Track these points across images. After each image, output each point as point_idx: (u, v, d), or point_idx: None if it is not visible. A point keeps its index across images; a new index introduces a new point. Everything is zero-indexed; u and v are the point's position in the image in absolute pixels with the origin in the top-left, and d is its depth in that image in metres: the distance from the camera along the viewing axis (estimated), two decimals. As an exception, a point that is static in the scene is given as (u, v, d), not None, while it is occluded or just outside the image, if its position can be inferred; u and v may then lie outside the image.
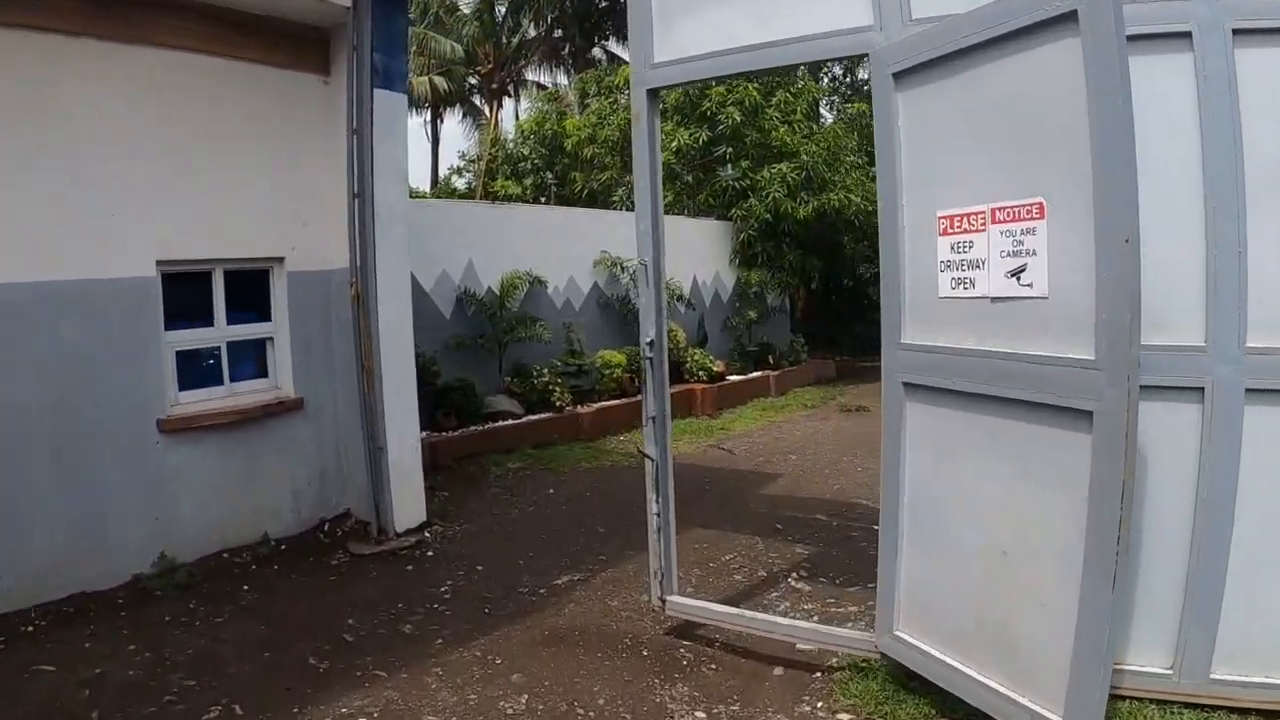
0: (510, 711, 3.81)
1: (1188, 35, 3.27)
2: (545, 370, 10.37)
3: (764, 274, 14.84)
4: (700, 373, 12.36)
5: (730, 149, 14.52)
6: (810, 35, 3.77)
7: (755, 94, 14.33)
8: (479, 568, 5.68)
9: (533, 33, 29.84)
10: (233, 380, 6.07)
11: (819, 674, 4.08)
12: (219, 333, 5.96)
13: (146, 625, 4.76)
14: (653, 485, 4.46)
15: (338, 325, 6.38)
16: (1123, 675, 3.45)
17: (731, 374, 13.30)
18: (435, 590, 5.28)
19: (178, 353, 5.72)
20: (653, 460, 4.44)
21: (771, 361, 14.38)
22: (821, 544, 6.07)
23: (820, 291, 17.89)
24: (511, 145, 20.67)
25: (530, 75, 31.16)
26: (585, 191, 16.69)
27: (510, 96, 31.41)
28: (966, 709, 3.43)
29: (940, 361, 3.40)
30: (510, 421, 9.56)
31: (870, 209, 14.72)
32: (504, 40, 29.45)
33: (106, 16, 5.13)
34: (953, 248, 3.29)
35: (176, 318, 5.68)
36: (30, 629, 4.67)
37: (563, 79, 30.18)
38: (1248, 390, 3.27)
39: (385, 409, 6.09)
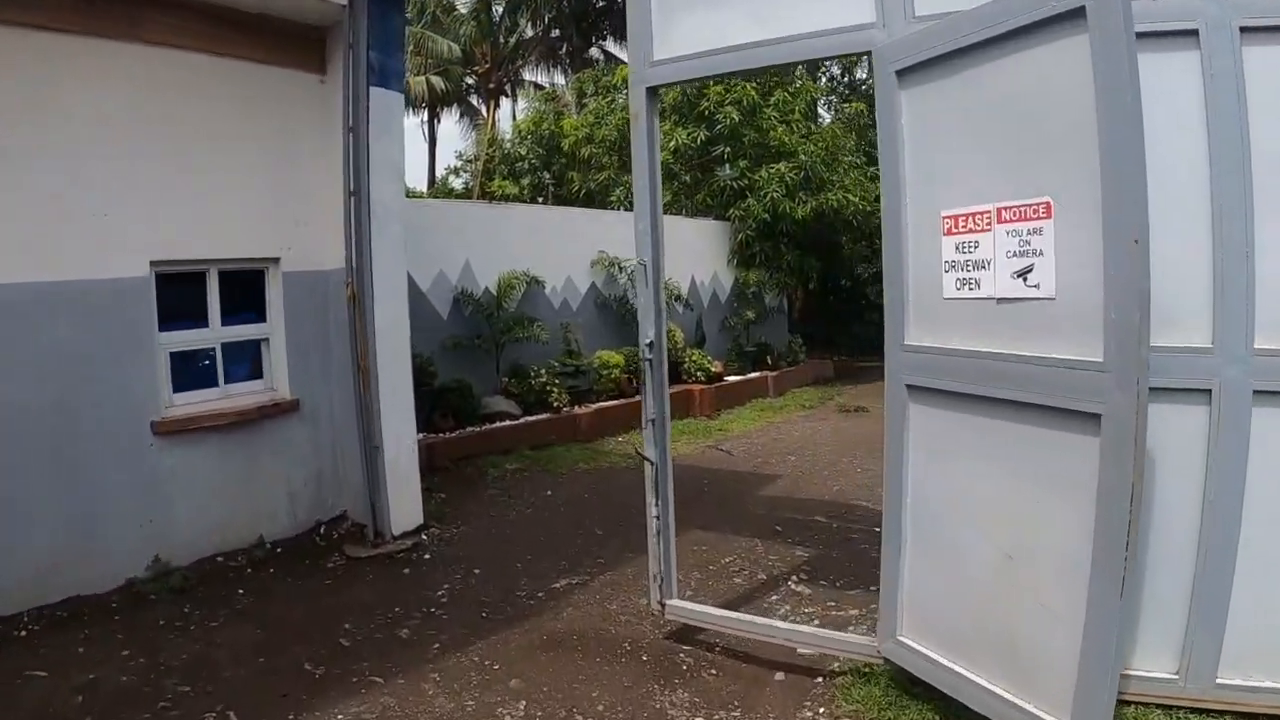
0: (509, 718, 3.76)
1: (1194, 33, 3.23)
2: (543, 371, 10.31)
3: (762, 274, 14.80)
4: (698, 373, 12.32)
5: (728, 149, 14.47)
6: (811, 33, 3.72)
7: (753, 93, 14.29)
8: (476, 571, 5.63)
9: (530, 32, 29.73)
10: (228, 382, 6.01)
11: (820, 679, 4.04)
12: (214, 334, 5.91)
13: (141, 629, 4.70)
14: (652, 488, 4.41)
15: (334, 326, 6.33)
16: (1128, 680, 3.40)
17: (729, 374, 13.26)
18: (432, 594, 5.23)
19: (172, 354, 5.67)
20: (652, 463, 4.39)
21: (769, 362, 14.34)
22: (821, 546, 6.02)
23: (818, 292, 17.87)
24: (509, 145, 20.63)
25: (527, 75, 31.10)
26: (582, 191, 16.64)
27: (507, 96, 31.38)
28: (971, 715, 3.38)
29: (945, 363, 3.35)
30: (507, 422, 9.50)
31: (868, 209, 14.76)
32: (501, 40, 29.35)
33: (103, 15, 5.08)
34: (957, 248, 3.24)
35: (171, 319, 5.62)
36: (23, 633, 4.61)
37: (560, 79, 30.09)
38: (1255, 392, 3.23)
39: (381, 410, 6.04)
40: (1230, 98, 3.19)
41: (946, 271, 3.30)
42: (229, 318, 5.99)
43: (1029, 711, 3.09)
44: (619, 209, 14.84)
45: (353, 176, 5.87)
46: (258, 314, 6.16)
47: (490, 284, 10.36)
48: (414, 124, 31.52)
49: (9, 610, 4.72)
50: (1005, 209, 3.05)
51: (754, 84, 14.48)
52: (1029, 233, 2.97)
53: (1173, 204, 3.20)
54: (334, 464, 6.49)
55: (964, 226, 3.21)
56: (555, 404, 10.05)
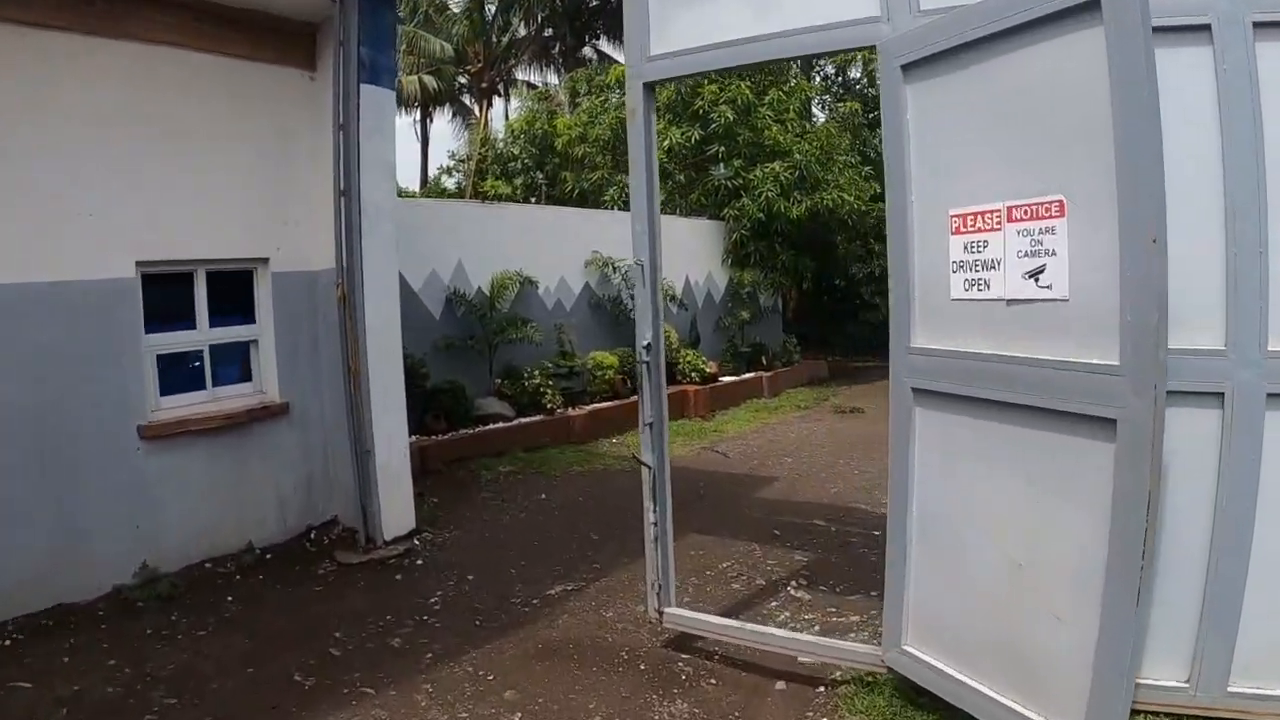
0: (503, 731, 3.68)
1: (1207, 28, 3.15)
2: (536, 372, 10.23)
3: (757, 274, 14.75)
4: (693, 374, 12.25)
5: (723, 148, 14.40)
6: (814, 27, 3.63)
7: (748, 92, 14.23)
8: (470, 577, 5.53)
9: (523, 32, 29.67)
10: (216, 384, 5.92)
11: (823, 688, 3.95)
12: (201, 335, 5.81)
13: (127, 639, 4.60)
14: (650, 494, 4.32)
15: (324, 327, 6.22)
16: (1136, 688, 3.30)
17: (724, 375, 13.19)
18: (425, 601, 5.13)
19: (159, 356, 5.57)
20: (650, 468, 4.30)
21: (764, 362, 14.26)
22: (820, 550, 5.94)
23: (812, 292, 17.80)
24: (501, 145, 20.49)
25: (520, 74, 30.99)
26: (576, 191, 16.54)
27: (500, 96, 31.24)
28: (978, 727, 3.31)
29: (952, 366, 3.27)
30: (501, 424, 9.42)
31: (863, 209, 14.70)
32: (494, 39, 29.26)
33: (89, 11, 4.99)
34: (966, 247, 3.15)
35: (158, 320, 5.52)
36: (8, 643, 4.51)
37: (553, 78, 30.05)
38: (1270, 395, 3.15)
39: (373, 412, 5.94)
40: (1243, 94, 3.12)
41: (954, 272, 3.21)
42: (217, 319, 5.89)
43: (1039, 723, 3.01)
44: (613, 209, 14.77)
45: (343, 175, 5.76)
46: (246, 315, 6.06)
47: (483, 284, 10.28)
48: (406, 123, 31.46)
49: (-7, 619, 4.62)
50: (1016, 207, 2.96)
51: (749, 83, 14.42)
52: (1041, 232, 2.88)
53: (1184, 202, 3.11)
54: (324, 468, 6.39)
55: (973, 225, 3.12)
56: (549, 405, 9.98)
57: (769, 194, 13.93)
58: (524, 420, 9.69)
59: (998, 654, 3.23)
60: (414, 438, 7.63)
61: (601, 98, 16.87)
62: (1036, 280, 2.92)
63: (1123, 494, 2.66)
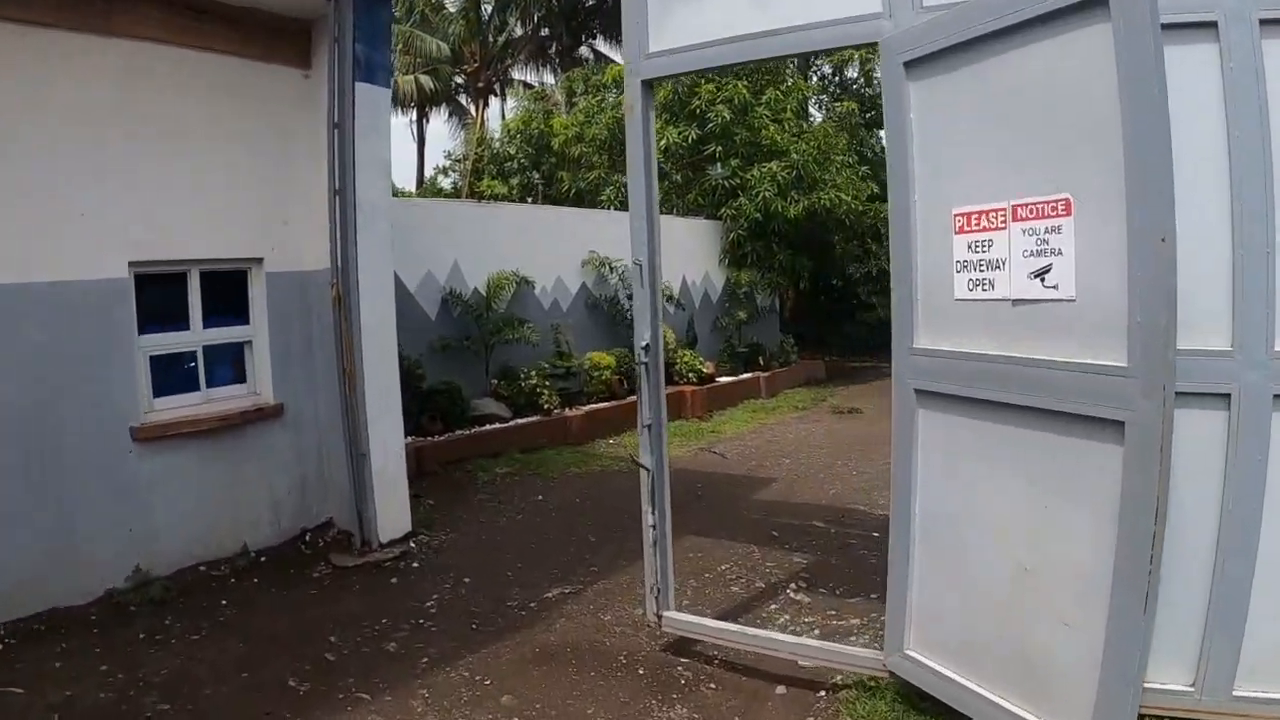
0: (500, 737, 3.64)
1: (1213, 25, 3.10)
2: (533, 372, 10.19)
3: (754, 274, 14.70)
4: (690, 374, 12.20)
5: (720, 147, 14.36)
6: (815, 23, 3.59)
7: (745, 92, 14.19)
8: (466, 580, 5.48)
9: (519, 31, 29.63)
10: (210, 386, 5.84)
11: (823, 692, 3.91)
12: (195, 336, 5.74)
13: (120, 644, 4.54)
14: (648, 497, 4.27)
15: (319, 328, 6.16)
16: (1142, 693, 3.28)
17: (722, 375, 13.15)
18: (421, 605, 5.08)
19: (152, 358, 5.50)
20: (648, 470, 4.26)
21: (762, 362, 14.22)
22: (819, 552, 5.90)
23: (809, 291, 17.78)
24: (498, 145, 20.42)
25: (517, 74, 30.96)
26: (572, 191, 16.49)
27: (496, 96, 31.22)
28: (982, 732, 3.26)
29: (956, 367, 3.23)
30: (497, 425, 9.37)
31: (860, 208, 14.67)
32: (490, 39, 29.22)
33: (76, 7, 4.91)
34: (970, 247, 3.11)
35: (151, 321, 5.46)
36: (0, 647, 4.45)
37: (549, 78, 30.00)
38: (1276, 397, 3.11)
39: (368, 414, 5.89)
40: (1249, 92, 3.07)
41: (958, 272, 3.17)
42: (211, 320, 5.82)
43: (1044, 729, 2.97)
44: (610, 208, 14.74)
45: (338, 174, 5.71)
46: (240, 316, 6.00)
47: (479, 284, 10.23)
48: (402, 123, 31.44)
49: (-15, 624, 4.56)
50: (1021, 206, 2.92)
51: (745, 82, 14.38)
52: (1047, 231, 2.84)
53: (1190, 201, 3.05)
54: (319, 470, 6.33)
55: (977, 224, 3.08)
56: (546, 406, 9.93)
57: (766, 194, 13.88)
58: (521, 421, 9.64)
59: (1002, 659, 3.19)
60: (410, 439, 7.58)
61: (598, 97, 16.82)
62: (1042, 280, 2.87)
63: (1131, 497, 2.62)
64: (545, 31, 29.83)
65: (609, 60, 26.37)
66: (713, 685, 4.03)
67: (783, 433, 10.69)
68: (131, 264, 5.25)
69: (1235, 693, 3.26)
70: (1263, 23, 3.05)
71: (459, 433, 8.97)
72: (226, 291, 5.93)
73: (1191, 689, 3.32)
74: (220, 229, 5.72)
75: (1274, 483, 3.13)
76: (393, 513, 6.12)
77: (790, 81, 15.96)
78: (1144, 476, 2.58)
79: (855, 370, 16.59)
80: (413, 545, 6.08)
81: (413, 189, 27.08)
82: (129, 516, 5.23)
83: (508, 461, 8.70)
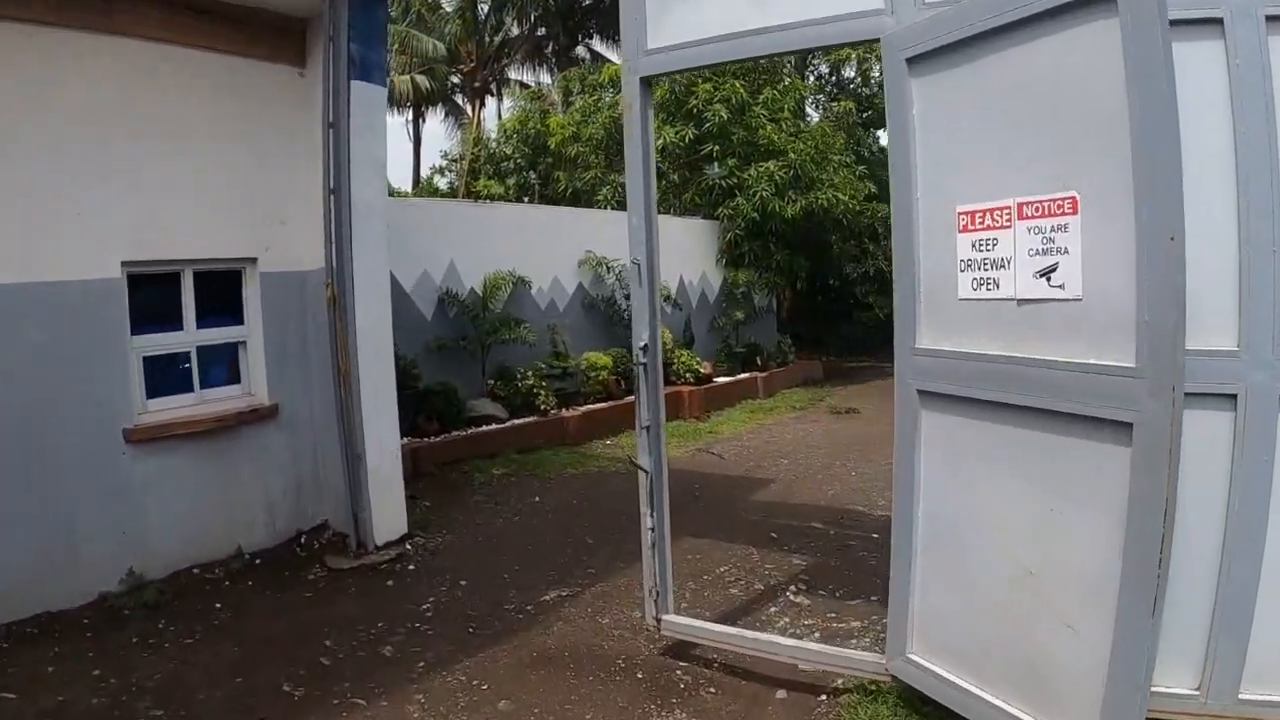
0: (498, 743, 3.59)
1: (1219, 21, 3.05)
2: (529, 373, 10.13)
3: (751, 274, 14.66)
4: (687, 374, 12.15)
5: (717, 147, 14.30)
6: (815, 19, 3.54)
7: (742, 91, 14.14)
8: (463, 583, 5.43)
9: (516, 31, 29.54)
10: (204, 386, 5.80)
11: (824, 696, 3.87)
12: (189, 337, 5.69)
13: (113, 648, 4.49)
14: (647, 499, 4.23)
15: (314, 328, 6.11)
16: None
17: (719, 375, 13.09)
18: (417, 608, 5.03)
19: (146, 358, 5.45)
20: (646, 472, 4.21)
21: (759, 363, 14.16)
22: (819, 554, 5.86)
23: (805, 291, 17.75)
24: (494, 144, 20.40)
25: (513, 74, 30.86)
26: (569, 191, 16.45)
27: (493, 95, 31.11)
28: (986, 737, 3.22)
29: (960, 368, 3.18)
30: (494, 426, 9.33)
31: (858, 208, 14.63)
32: (487, 38, 29.14)
33: (72, 5, 4.86)
34: (974, 245, 3.07)
35: (144, 321, 5.41)
36: (-8, 652, 4.40)
37: (546, 78, 29.89)
38: (1284, 397, 3.07)
39: (363, 415, 5.84)
40: (1256, 88, 3.03)
41: (962, 271, 3.13)
42: (205, 320, 5.77)
43: (1049, 735, 2.93)
44: (606, 208, 14.70)
45: (333, 173, 5.66)
46: (235, 316, 5.95)
47: (476, 284, 10.18)
48: (398, 123, 31.33)
49: (-22, 628, 4.51)
50: (1027, 204, 2.88)
51: (742, 82, 14.34)
52: (1053, 229, 2.80)
53: (1196, 199, 3.01)
54: (315, 471, 6.28)
55: (981, 223, 3.04)
56: (542, 406, 9.89)
57: (763, 193, 13.84)
58: (517, 422, 9.59)
59: (1006, 662, 3.15)
60: (406, 440, 7.54)
61: (595, 97, 16.77)
62: (1048, 279, 2.83)
63: (1139, 500, 2.58)
64: (542, 31, 29.77)
65: (605, 60, 26.35)
66: (712, 689, 3.99)
67: (780, 433, 10.64)
68: (124, 264, 5.21)
69: (1241, 696, 3.21)
70: (1269, 19, 3.00)
71: (455, 433, 8.92)
72: (221, 292, 5.89)
73: (1196, 692, 3.28)
74: (214, 228, 5.67)
75: (1281, 484, 3.10)
76: (388, 514, 6.06)
77: (787, 81, 15.93)
78: (1152, 478, 2.53)
79: (852, 370, 16.56)
80: (409, 547, 6.03)
81: (409, 189, 27.03)
82: (122, 519, 5.19)
83: (504, 462, 8.65)
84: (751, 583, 5.36)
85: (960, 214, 3.11)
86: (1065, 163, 2.77)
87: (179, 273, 5.62)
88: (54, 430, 4.89)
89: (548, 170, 18.05)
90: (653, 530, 4.24)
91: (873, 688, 3.77)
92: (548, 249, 11.33)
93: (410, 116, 31.64)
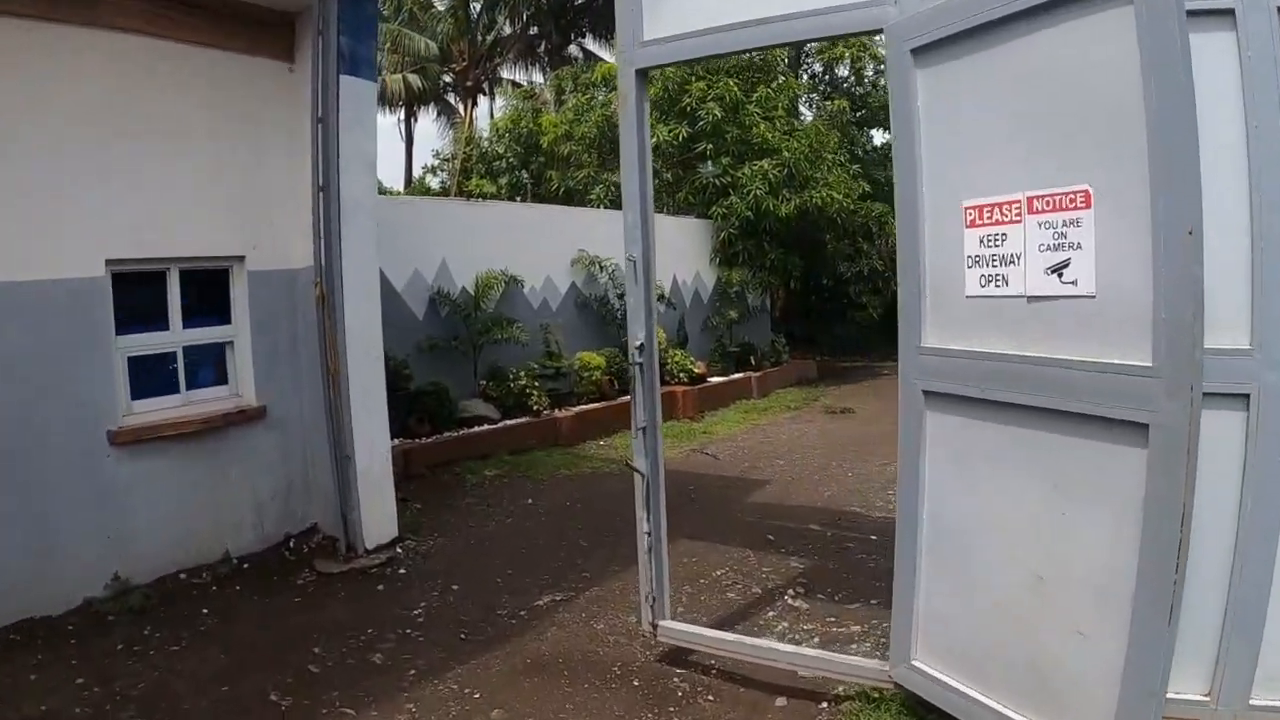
0: (491, 754, 3.49)
1: (1230, 13, 3.00)
2: (522, 373, 10.05)
3: (745, 273, 14.62)
4: (681, 374, 12.09)
5: (710, 145, 14.25)
6: (817, 10, 3.44)
7: (735, 89, 14.08)
8: (454, 587, 5.33)
9: (508, 30, 29.43)
10: (190, 387, 5.69)
11: (825, 704, 3.78)
12: (175, 337, 5.58)
13: (97, 655, 4.39)
14: (643, 502, 4.13)
15: (303, 327, 6.01)
16: (1162, 705, 3.17)
17: (713, 375, 13.05)
18: (408, 613, 4.93)
19: (131, 359, 5.34)
20: (642, 475, 4.11)
21: (753, 362, 14.13)
22: (817, 556, 5.77)
23: (800, 291, 17.70)
24: (486, 144, 20.32)
25: (506, 73, 30.75)
26: (561, 190, 16.38)
27: (485, 95, 31.00)
28: (993, 746, 3.13)
29: (967, 367, 3.09)
30: (486, 426, 9.24)
31: (852, 207, 14.57)
32: (479, 38, 29.01)
33: (60, -1, 4.77)
34: (982, 241, 2.98)
35: (129, 321, 5.30)
36: (-27, 659, 4.29)
37: (538, 77, 29.84)
38: (1297, 397, 2.99)
39: (353, 416, 5.73)
40: (1268, 81, 2.97)
41: (969, 267, 3.04)
42: (191, 320, 5.67)
43: (1059, 744, 2.85)
44: (599, 207, 14.63)
45: (321, 170, 5.58)
46: (222, 315, 5.84)
47: (468, 283, 10.09)
48: (390, 123, 31.25)
49: (-42, 635, 4.41)
50: (1037, 198, 2.79)
51: (736, 80, 14.28)
52: (1065, 224, 2.71)
53: (1207, 194, 2.93)
54: (304, 473, 6.17)
55: (989, 218, 2.95)
56: (535, 407, 9.81)
57: (757, 192, 13.79)
58: (510, 422, 9.50)
59: (1014, 670, 3.06)
60: (397, 441, 7.44)
61: (587, 96, 16.72)
62: (1060, 275, 2.74)
63: (1155, 503, 2.50)
64: (534, 30, 29.69)
65: (598, 59, 26.27)
66: (710, 697, 3.90)
67: (775, 433, 10.57)
68: (109, 262, 5.10)
69: (1253, 701, 3.15)
70: (1282, 11, 2.94)
71: (447, 434, 8.84)
72: (208, 290, 5.78)
73: (1207, 698, 3.22)
74: (201, 226, 5.56)
75: (1294, 486, 3.02)
76: (379, 517, 5.96)
77: (781, 79, 15.88)
78: (1169, 481, 2.45)
79: (846, 370, 16.52)
80: (399, 551, 5.93)
81: (401, 189, 26.94)
82: (107, 522, 5.08)
83: (497, 464, 8.56)
84: (749, 586, 5.27)
85: (967, 209, 3.02)
86: (1077, 155, 2.68)
87: (165, 271, 5.51)
88: (36, 432, 4.78)
89: (540, 169, 17.99)
90: (649, 535, 4.14)
91: (875, 695, 3.68)
92: (540, 248, 11.25)
93: (402, 116, 31.55)
